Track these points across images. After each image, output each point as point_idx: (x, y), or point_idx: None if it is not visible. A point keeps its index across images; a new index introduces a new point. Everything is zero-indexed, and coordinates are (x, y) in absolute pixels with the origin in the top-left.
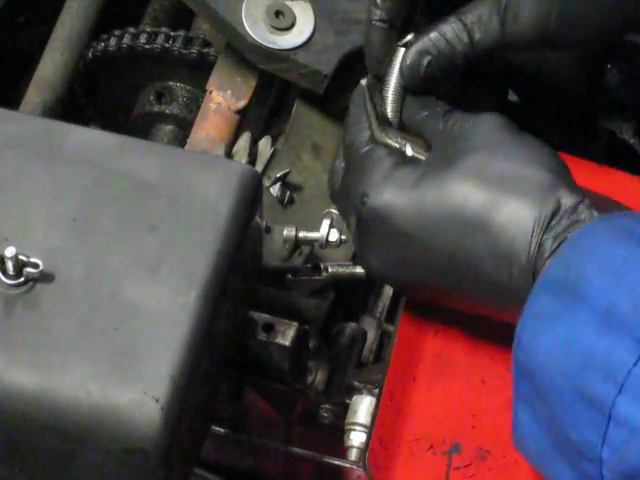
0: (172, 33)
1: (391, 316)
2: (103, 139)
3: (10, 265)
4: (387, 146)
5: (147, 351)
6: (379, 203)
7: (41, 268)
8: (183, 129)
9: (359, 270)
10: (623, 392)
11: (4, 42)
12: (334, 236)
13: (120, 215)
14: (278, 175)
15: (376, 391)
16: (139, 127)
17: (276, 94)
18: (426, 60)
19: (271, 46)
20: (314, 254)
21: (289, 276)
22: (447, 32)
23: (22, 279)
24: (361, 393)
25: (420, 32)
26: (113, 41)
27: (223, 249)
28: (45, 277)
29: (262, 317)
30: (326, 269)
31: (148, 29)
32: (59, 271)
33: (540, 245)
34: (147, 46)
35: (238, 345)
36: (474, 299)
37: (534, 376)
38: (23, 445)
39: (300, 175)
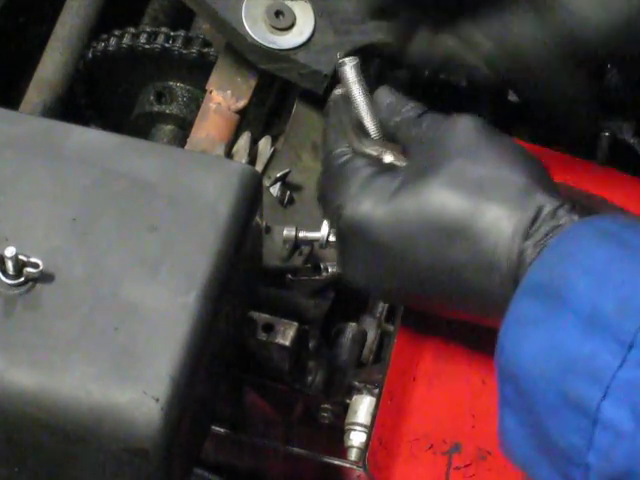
0: (172, 33)
1: (391, 316)
2: (103, 139)
3: (10, 265)
4: (365, 155)
5: (147, 351)
6: (356, 215)
7: (41, 268)
8: (183, 129)
9: None
10: (608, 396)
11: (4, 42)
12: (334, 236)
13: (120, 215)
14: (278, 175)
15: (376, 391)
16: (139, 127)
17: (276, 94)
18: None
19: (271, 46)
20: (314, 254)
21: (289, 276)
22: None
23: (22, 279)
24: (361, 393)
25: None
26: (113, 41)
27: (223, 249)
28: (45, 277)
29: (262, 317)
30: (326, 269)
31: (148, 29)
32: (59, 271)
33: (521, 253)
34: (147, 46)
35: (238, 345)
36: (457, 307)
37: (518, 381)
38: (23, 445)
39: (300, 175)
